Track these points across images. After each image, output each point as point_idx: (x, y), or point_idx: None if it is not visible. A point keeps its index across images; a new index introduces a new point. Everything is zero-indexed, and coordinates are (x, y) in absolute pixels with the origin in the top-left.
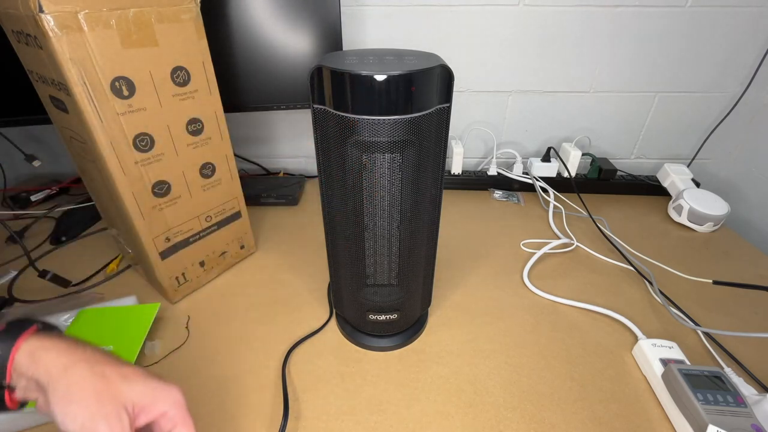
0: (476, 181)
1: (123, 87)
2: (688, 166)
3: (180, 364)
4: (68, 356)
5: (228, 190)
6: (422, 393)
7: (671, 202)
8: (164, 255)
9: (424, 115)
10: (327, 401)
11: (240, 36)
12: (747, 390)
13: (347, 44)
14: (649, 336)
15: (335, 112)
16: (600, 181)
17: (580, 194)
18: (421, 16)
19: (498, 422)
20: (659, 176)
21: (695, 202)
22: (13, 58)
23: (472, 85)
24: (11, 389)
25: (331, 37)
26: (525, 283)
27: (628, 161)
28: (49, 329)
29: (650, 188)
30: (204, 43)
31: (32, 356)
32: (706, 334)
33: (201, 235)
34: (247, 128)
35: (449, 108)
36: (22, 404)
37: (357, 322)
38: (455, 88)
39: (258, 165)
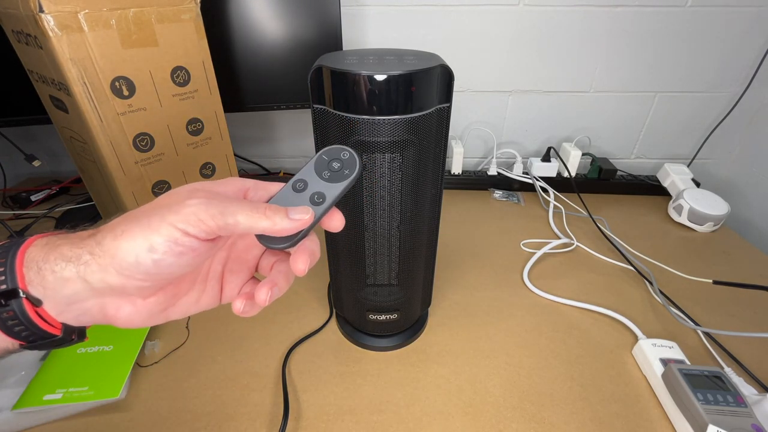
0: (476, 181)
1: (123, 87)
2: (688, 166)
3: (180, 364)
4: (79, 235)
5: None
6: (422, 393)
7: (671, 202)
8: None
9: (424, 115)
10: (327, 401)
11: (240, 36)
12: (747, 390)
13: (347, 44)
14: (649, 336)
15: (335, 112)
16: (600, 181)
17: (580, 194)
18: (421, 16)
19: (498, 422)
20: (659, 176)
21: (695, 202)
22: (13, 58)
23: (472, 85)
24: (35, 301)
25: (331, 37)
26: (525, 283)
27: (628, 161)
28: None
29: (650, 188)
30: (204, 43)
31: (47, 245)
32: (706, 334)
33: None
34: (247, 128)
35: (449, 108)
36: (70, 330)
37: (357, 322)
38: (455, 88)
39: (258, 165)
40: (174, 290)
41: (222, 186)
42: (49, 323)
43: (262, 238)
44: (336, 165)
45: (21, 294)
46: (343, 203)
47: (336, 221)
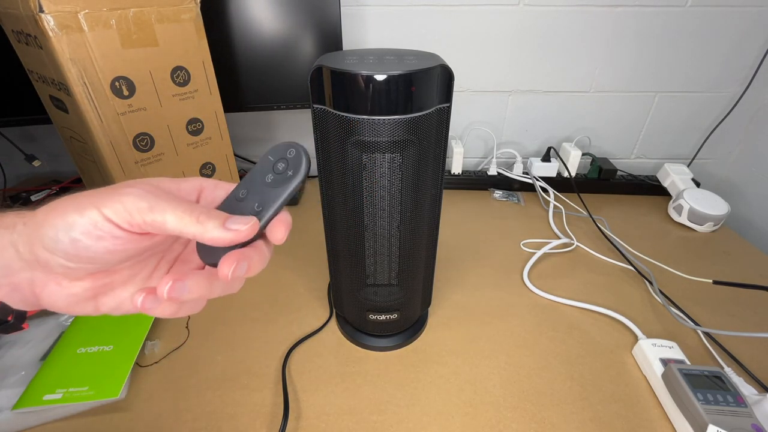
0: (476, 181)
1: (123, 87)
2: (688, 166)
3: (180, 364)
4: (29, 208)
5: None
6: (422, 393)
7: (671, 201)
8: None
9: (424, 115)
10: (327, 401)
11: (240, 36)
12: (747, 390)
13: (347, 44)
14: (649, 336)
15: (335, 112)
16: (600, 181)
17: (580, 194)
18: (421, 16)
19: (498, 422)
20: (659, 176)
21: (695, 202)
22: (13, 58)
23: (472, 85)
24: None
25: (331, 37)
26: (525, 282)
27: (628, 161)
28: None
29: (650, 188)
30: (204, 43)
31: None
32: (706, 334)
33: None
34: (247, 128)
35: (449, 108)
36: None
37: (357, 322)
38: (455, 88)
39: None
40: (106, 279)
41: (176, 183)
42: None
43: (201, 251)
44: (281, 166)
45: None
46: (342, 203)
47: (278, 232)
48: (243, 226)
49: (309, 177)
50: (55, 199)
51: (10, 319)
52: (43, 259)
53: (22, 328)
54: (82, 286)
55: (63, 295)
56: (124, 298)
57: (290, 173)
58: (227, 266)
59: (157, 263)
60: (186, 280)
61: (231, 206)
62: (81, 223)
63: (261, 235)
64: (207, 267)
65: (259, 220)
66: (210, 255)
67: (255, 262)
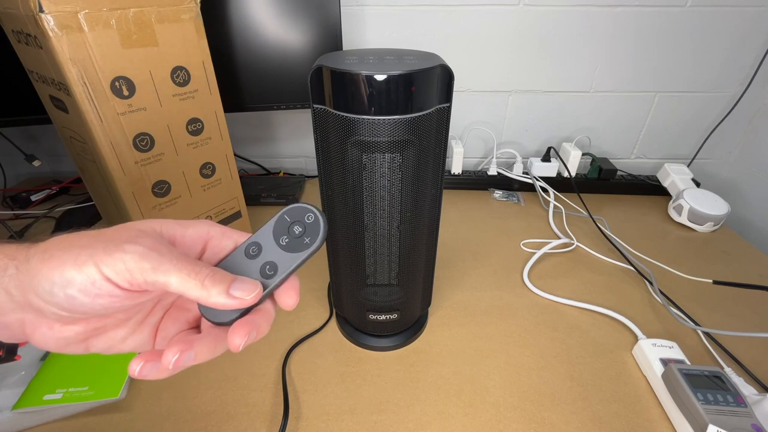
0: (476, 181)
1: (123, 87)
2: (688, 166)
3: None
4: (20, 246)
5: (228, 190)
6: (422, 393)
7: (671, 201)
8: None
9: (424, 115)
10: (327, 401)
11: (240, 36)
12: (747, 390)
13: (347, 44)
14: (649, 336)
15: (335, 112)
16: (600, 181)
17: (580, 194)
18: (421, 16)
19: (498, 422)
20: (659, 176)
21: (695, 202)
22: (13, 58)
23: (472, 85)
24: None
25: (331, 37)
26: (525, 282)
27: (628, 161)
28: None
29: (650, 188)
30: (204, 43)
31: None
32: (706, 334)
33: None
34: (247, 128)
35: (449, 108)
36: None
37: (357, 322)
38: (455, 88)
39: (258, 165)
40: (98, 324)
41: (183, 229)
42: None
43: (203, 308)
44: (297, 230)
45: None
46: (343, 203)
47: (289, 298)
48: (247, 296)
49: (309, 177)
50: (48, 237)
51: (1, 353)
52: (36, 306)
53: (14, 360)
54: (75, 330)
55: (54, 338)
56: (116, 341)
57: (307, 240)
58: (239, 338)
59: (152, 308)
60: (193, 348)
61: (239, 263)
62: (78, 281)
63: (267, 296)
64: (211, 332)
65: (269, 284)
66: (214, 314)
67: (263, 328)
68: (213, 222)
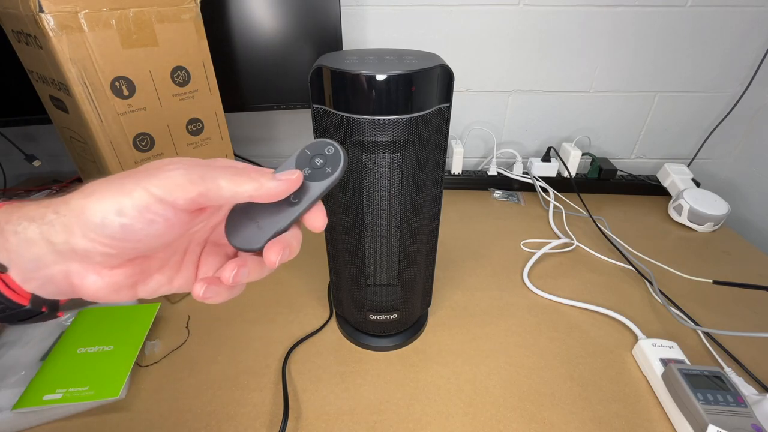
0: (476, 181)
1: (123, 87)
2: (688, 166)
3: (180, 364)
4: (51, 197)
5: None
6: (422, 393)
7: (671, 201)
8: None
9: (424, 115)
10: (327, 401)
11: (240, 36)
12: (747, 390)
13: (347, 44)
14: (649, 336)
15: (335, 112)
16: (600, 181)
17: (580, 194)
18: (421, 16)
19: (498, 422)
20: (659, 176)
21: (695, 202)
22: (13, 58)
23: (472, 85)
24: (1, 268)
25: (331, 37)
26: (525, 283)
27: (628, 161)
28: None
29: (650, 188)
30: (204, 43)
31: (13, 206)
32: (706, 334)
33: None
34: (247, 128)
35: (449, 108)
36: (39, 302)
37: (357, 322)
38: (455, 88)
39: (258, 165)
40: (144, 265)
41: (210, 161)
42: (16, 292)
43: (232, 237)
44: (319, 161)
45: None
46: (343, 203)
47: (317, 220)
48: (292, 176)
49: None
50: (79, 185)
51: (44, 310)
52: (82, 249)
53: (56, 317)
54: (123, 273)
55: (104, 284)
56: (161, 283)
57: (329, 170)
58: (274, 255)
59: (187, 246)
60: (246, 265)
61: None
62: (131, 206)
63: (296, 222)
64: (253, 255)
65: (295, 212)
66: (246, 240)
67: (294, 246)
68: (235, 161)
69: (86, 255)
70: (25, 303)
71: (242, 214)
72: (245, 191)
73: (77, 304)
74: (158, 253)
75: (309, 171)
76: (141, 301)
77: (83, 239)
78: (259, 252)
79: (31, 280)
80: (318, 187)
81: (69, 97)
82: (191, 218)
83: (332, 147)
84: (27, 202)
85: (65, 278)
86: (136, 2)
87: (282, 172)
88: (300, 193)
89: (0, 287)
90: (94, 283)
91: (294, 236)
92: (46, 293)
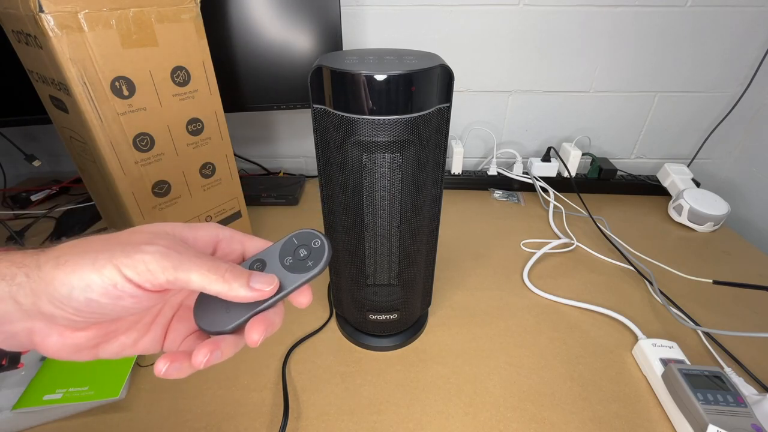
0: (476, 181)
1: (123, 87)
2: (688, 166)
3: None
4: (26, 253)
5: (228, 189)
6: (422, 393)
7: (671, 201)
8: None
9: (424, 115)
10: (327, 401)
11: (240, 36)
12: (747, 390)
13: (347, 44)
14: (649, 336)
15: (335, 112)
16: (600, 181)
17: (580, 194)
18: (421, 16)
19: (498, 422)
20: (659, 176)
21: (695, 202)
22: (13, 58)
23: (472, 85)
24: None
25: (331, 37)
26: (525, 283)
27: (628, 161)
28: None
29: (650, 188)
30: (204, 43)
31: None
32: (706, 334)
33: None
34: (247, 128)
35: (449, 108)
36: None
37: (357, 322)
38: (455, 88)
39: (258, 165)
40: (110, 328)
41: (193, 231)
42: None
43: (199, 318)
44: (302, 253)
45: None
46: (343, 203)
47: (302, 298)
48: (266, 287)
49: (309, 177)
50: (56, 244)
51: (4, 362)
52: (48, 313)
53: (17, 368)
54: (86, 335)
55: (65, 345)
56: (126, 345)
57: (310, 264)
58: (258, 334)
59: (161, 309)
60: (219, 348)
61: None
62: (99, 284)
63: (264, 309)
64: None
65: (265, 303)
66: (212, 323)
67: (276, 324)
68: (221, 225)
69: (51, 317)
70: None
71: (212, 297)
72: (214, 290)
73: None
74: (126, 318)
75: (291, 261)
76: None
77: (50, 305)
78: (225, 334)
79: None
80: (295, 280)
81: (69, 97)
82: (160, 296)
83: (319, 240)
84: (2, 255)
85: (28, 335)
86: (136, 2)
87: (257, 279)
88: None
89: None
90: (55, 343)
91: (276, 313)
92: (8, 347)
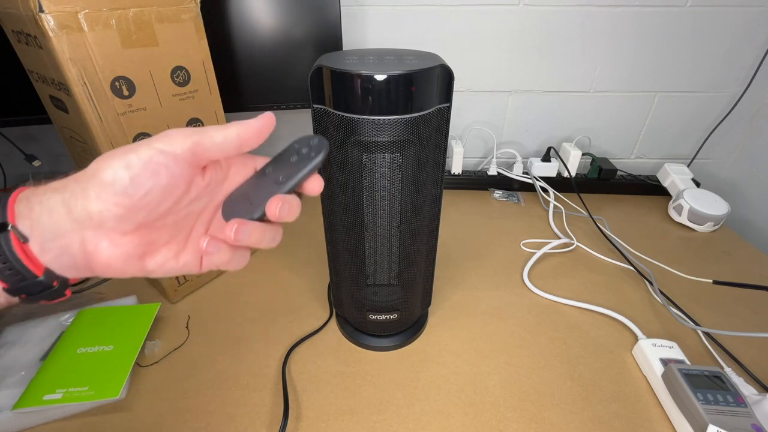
0: (476, 181)
1: (123, 87)
2: (688, 166)
3: (180, 364)
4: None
5: None
6: (422, 393)
7: (671, 201)
8: None
9: (424, 115)
10: (327, 401)
11: (240, 36)
12: (747, 390)
13: (347, 44)
14: (649, 336)
15: (335, 112)
16: (600, 181)
17: (580, 194)
18: (422, 16)
19: (498, 422)
20: (659, 176)
21: (695, 202)
22: (13, 58)
23: (472, 85)
24: (22, 237)
25: (331, 37)
26: (525, 282)
27: (628, 161)
28: None
29: (650, 188)
30: (204, 43)
31: (38, 184)
32: (706, 334)
33: None
34: None
35: (449, 108)
36: (53, 277)
37: (357, 322)
38: (455, 88)
39: None
40: (153, 235)
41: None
42: (32, 263)
43: (226, 213)
44: (304, 150)
45: (9, 227)
46: (343, 203)
47: (314, 186)
48: (266, 115)
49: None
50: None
51: (55, 284)
52: (96, 213)
53: (65, 295)
54: (132, 241)
55: (115, 252)
56: (168, 257)
57: (312, 154)
58: (274, 205)
59: (194, 224)
60: (247, 225)
61: (258, 179)
62: (137, 159)
63: (288, 191)
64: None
65: (282, 188)
66: (236, 214)
67: (293, 205)
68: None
69: (100, 220)
70: (39, 274)
71: (236, 196)
72: (233, 131)
73: (75, 305)
74: (164, 227)
75: (296, 158)
76: (141, 301)
77: (97, 201)
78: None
79: (48, 250)
80: (303, 168)
81: (69, 97)
82: (191, 173)
83: (316, 138)
84: (57, 179)
85: (80, 246)
86: (136, 2)
87: (257, 118)
88: (287, 173)
89: (20, 255)
90: (106, 249)
91: (293, 198)
92: (60, 266)
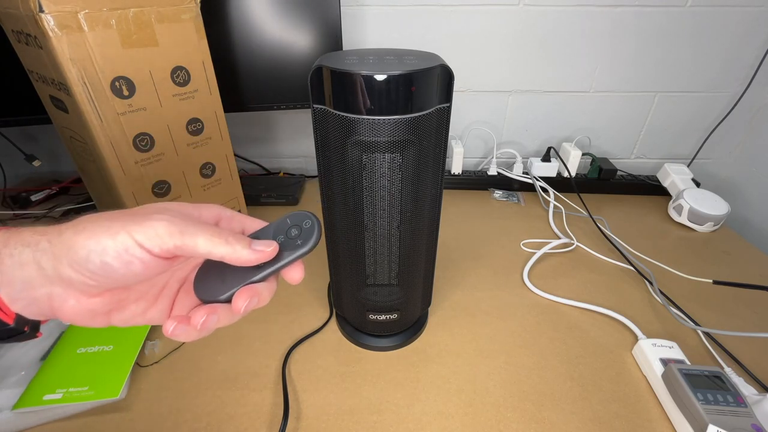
0: (476, 181)
1: (123, 87)
2: (688, 166)
3: (180, 364)
4: (48, 225)
5: (228, 189)
6: (422, 393)
7: (671, 201)
8: None
9: (424, 115)
10: (327, 401)
11: (240, 36)
12: (747, 390)
13: (347, 44)
14: (649, 336)
15: (335, 112)
16: (600, 181)
17: (580, 194)
18: (421, 16)
19: (498, 422)
20: (659, 176)
21: (695, 202)
22: (13, 58)
23: (472, 85)
24: None
25: (331, 37)
26: (525, 282)
27: (628, 161)
28: None
29: (650, 188)
30: (204, 43)
31: (10, 232)
32: (706, 334)
33: None
34: (247, 128)
35: (449, 108)
36: (22, 322)
37: (357, 322)
38: (455, 88)
39: (258, 165)
40: (121, 295)
41: (197, 210)
42: (2, 311)
43: (197, 289)
44: (294, 232)
45: None
46: (343, 203)
47: (294, 274)
48: (267, 248)
49: (309, 177)
50: (75, 217)
51: (26, 329)
52: (66, 277)
53: (36, 337)
54: (100, 301)
55: (81, 309)
56: (135, 313)
57: (299, 242)
58: (242, 301)
59: (166, 282)
60: (216, 313)
61: None
62: (113, 248)
63: (256, 282)
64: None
65: (258, 274)
66: (207, 293)
67: (264, 296)
68: (223, 207)
69: (69, 282)
70: (10, 322)
71: (211, 268)
72: (219, 253)
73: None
74: (136, 287)
75: (282, 239)
76: None
77: (69, 269)
78: (226, 301)
79: (17, 300)
80: (285, 257)
81: (69, 97)
82: (168, 263)
83: (310, 221)
84: (23, 228)
85: (48, 300)
86: (136, 2)
87: (258, 243)
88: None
89: None
90: (73, 307)
91: (266, 287)
92: (29, 314)
